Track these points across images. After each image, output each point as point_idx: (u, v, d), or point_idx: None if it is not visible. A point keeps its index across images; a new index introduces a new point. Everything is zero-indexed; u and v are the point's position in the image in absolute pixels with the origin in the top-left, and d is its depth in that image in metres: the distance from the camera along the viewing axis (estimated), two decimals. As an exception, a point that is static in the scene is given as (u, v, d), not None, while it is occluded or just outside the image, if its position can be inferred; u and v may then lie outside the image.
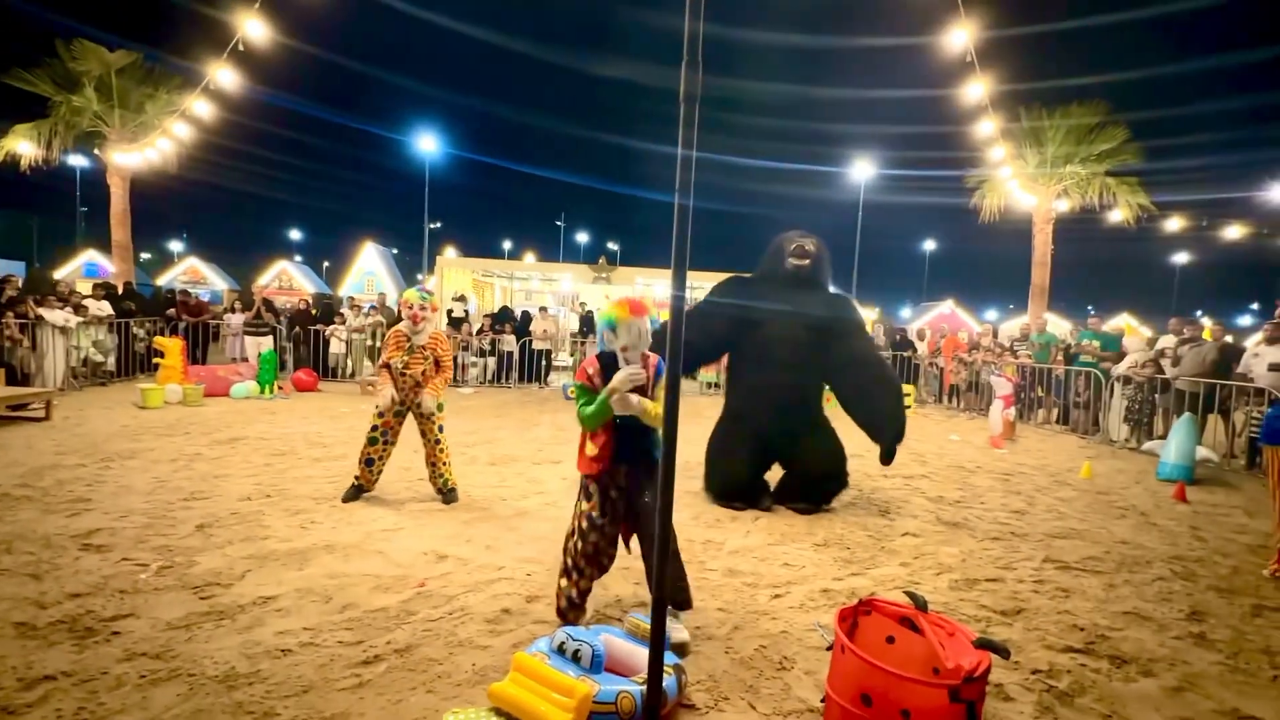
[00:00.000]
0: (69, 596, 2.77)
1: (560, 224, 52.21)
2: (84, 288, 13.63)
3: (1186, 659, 2.70)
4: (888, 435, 4.47)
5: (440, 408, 4.35)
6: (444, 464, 4.36)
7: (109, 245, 13.84)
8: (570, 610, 2.68)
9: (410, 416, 4.36)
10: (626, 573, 3.23)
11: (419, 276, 32.64)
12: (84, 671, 2.23)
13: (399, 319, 4.41)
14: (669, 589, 2.74)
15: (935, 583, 3.39)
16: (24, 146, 12.22)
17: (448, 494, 4.37)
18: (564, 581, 2.69)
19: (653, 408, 2.57)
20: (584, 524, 2.69)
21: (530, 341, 11.67)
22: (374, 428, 4.25)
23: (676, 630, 2.70)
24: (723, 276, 5.15)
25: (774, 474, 4.81)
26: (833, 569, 3.53)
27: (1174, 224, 16.27)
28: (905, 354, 12.06)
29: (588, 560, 2.70)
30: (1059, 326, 16.41)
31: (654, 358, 2.71)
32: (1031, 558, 3.84)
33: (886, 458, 4.50)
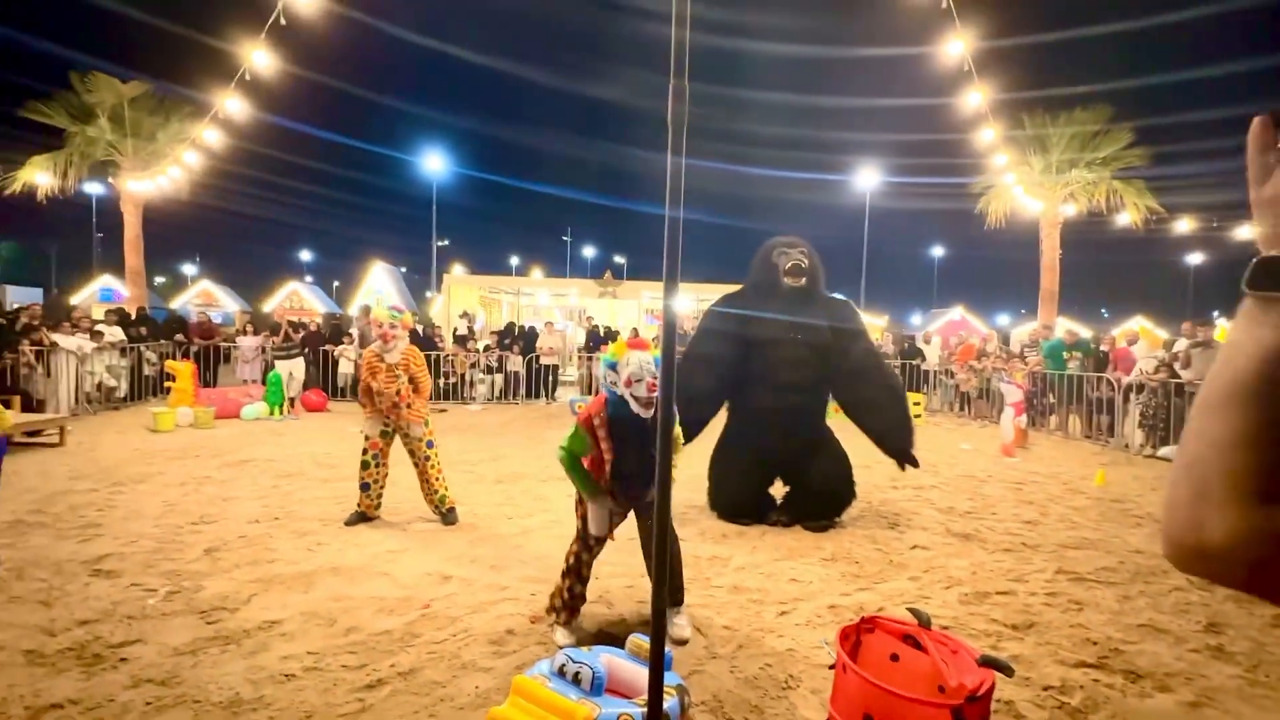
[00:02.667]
0: (78, 623, 2.79)
1: (566, 239, 52.60)
2: (99, 312, 13.85)
3: (1204, 673, 2.64)
4: (898, 445, 4.42)
5: (426, 423, 4.35)
6: (436, 479, 4.32)
7: (124, 270, 14.08)
8: (563, 610, 2.77)
9: (397, 437, 4.36)
10: (630, 591, 3.21)
11: (427, 295, 32.91)
12: (90, 699, 2.24)
13: (414, 335, 4.45)
14: (676, 585, 2.76)
15: (945, 597, 3.35)
16: (41, 177, 12.52)
17: (446, 514, 4.34)
18: (567, 581, 2.79)
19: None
20: (590, 538, 2.77)
21: (537, 357, 11.72)
22: (364, 451, 4.27)
23: (679, 625, 2.71)
24: (731, 288, 5.07)
25: (778, 487, 4.76)
26: (840, 584, 3.50)
27: (1184, 225, 16.14)
28: (914, 362, 11.96)
29: (590, 570, 2.81)
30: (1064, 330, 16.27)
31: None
32: (1044, 569, 3.78)
33: (904, 463, 4.47)
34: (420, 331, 11.34)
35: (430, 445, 4.32)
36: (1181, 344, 8.67)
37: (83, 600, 3.02)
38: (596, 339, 12.63)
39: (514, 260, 52.53)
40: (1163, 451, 7.48)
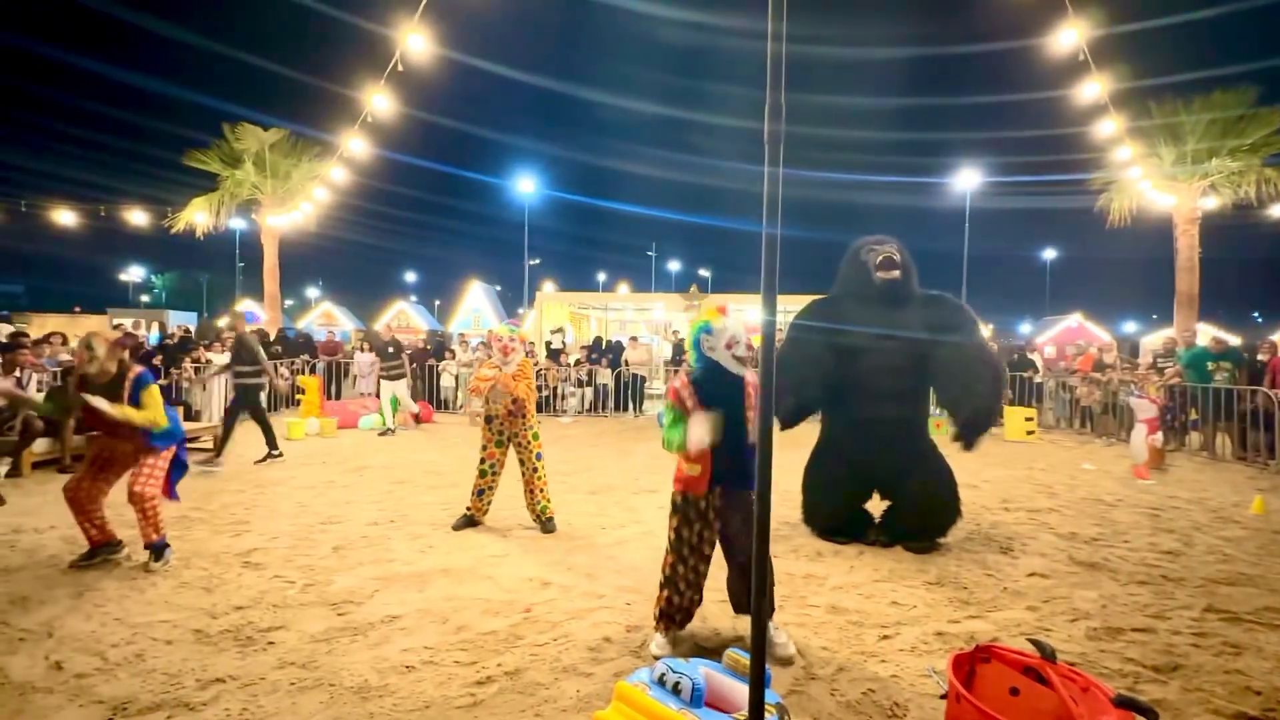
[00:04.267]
0: (234, 608, 3.16)
1: (651, 254, 53.21)
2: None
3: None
4: (965, 413, 3.98)
5: (536, 436, 4.57)
6: (540, 490, 4.54)
7: (262, 295, 15.78)
8: (663, 619, 2.79)
9: (511, 447, 4.61)
10: (725, 605, 3.21)
11: (519, 311, 34.36)
12: (246, 676, 2.54)
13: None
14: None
15: (1070, 630, 3.08)
16: (199, 216, 14.35)
17: (546, 523, 4.54)
18: (665, 592, 2.81)
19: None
20: (683, 548, 2.78)
21: (625, 370, 11.94)
22: (482, 460, 4.54)
23: (781, 644, 2.67)
24: (813, 298, 4.79)
25: (875, 504, 4.53)
26: (947, 610, 3.30)
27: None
28: (1024, 374, 11.06)
29: (688, 584, 2.79)
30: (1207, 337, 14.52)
31: (751, 373, 2.72)
32: (1190, 606, 3.37)
33: (962, 439, 4.03)
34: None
35: (539, 457, 4.56)
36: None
37: (237, 588, 3.41)
38: (683, 353, 12.68)
39: (601, 277, 53.84)
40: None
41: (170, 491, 3.85)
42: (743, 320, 2.69)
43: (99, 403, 3.51)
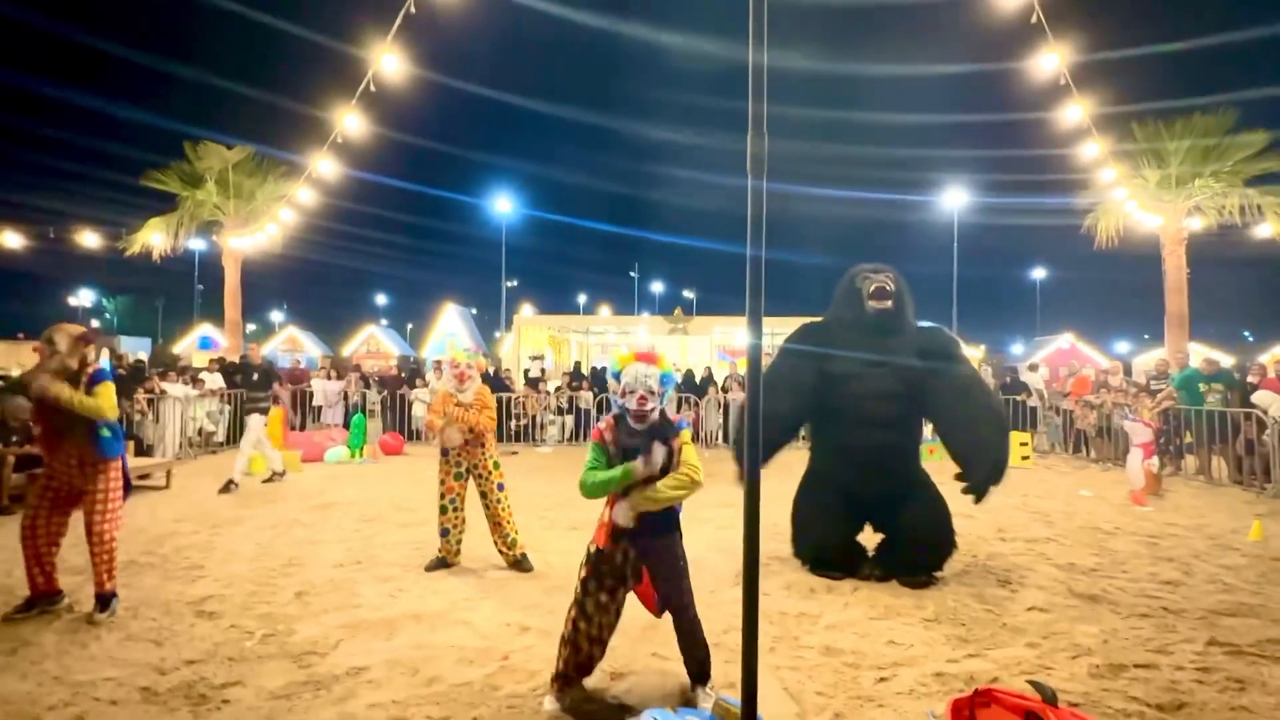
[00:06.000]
0: (185, 663, 2.94)
1: (633, 274, 53.31)
2: (200, 360, 14.98)
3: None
4: (982, 469, 4.01)
5: (497, 465, 4.44)
6: (508, 522, 4.37)
7: (221, 320, 15.30)
8: (559, 680, 2.60)
9: (470, 478, 4.44)
10: (715, 649, 3.10)
11: (496, 335, 34.03)
12: (198, 743, 2.34)
13: (484, 378, 4.59)
14: (701, 657, 2.58)
15: (1071, 668, 3.00)
16: (156, 238, 13.91)
17: (520, 561, 4.36)
18: (564, 651, 2.62)
19: (666, 492, 2.46)
20: (588, 603, 2.60)
21: (608, 396, 11.84)
22: (442, 495, 4.36)
23: (707, 699, 2.55)
24: (802, 321, 4.82)
25: (867, 536, 4.47)
26: (946, 649, 3.21)
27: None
28: (1018, 397, 10.96)
29: (590, 640, 2.62)
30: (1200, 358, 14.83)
31: (675, 416, 2.65)
32: (1192, 639, 3.31)
33: (975, 493, 4.06)
34: (492, 373, 11.67)
35: (501, 488, 4.40)
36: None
37: (189, 640, 3.18)
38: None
39: (582, 299, 53.64)
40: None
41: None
42: (647, 372, 2.54)
43: (47, 381, 3.31)
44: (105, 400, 3.47)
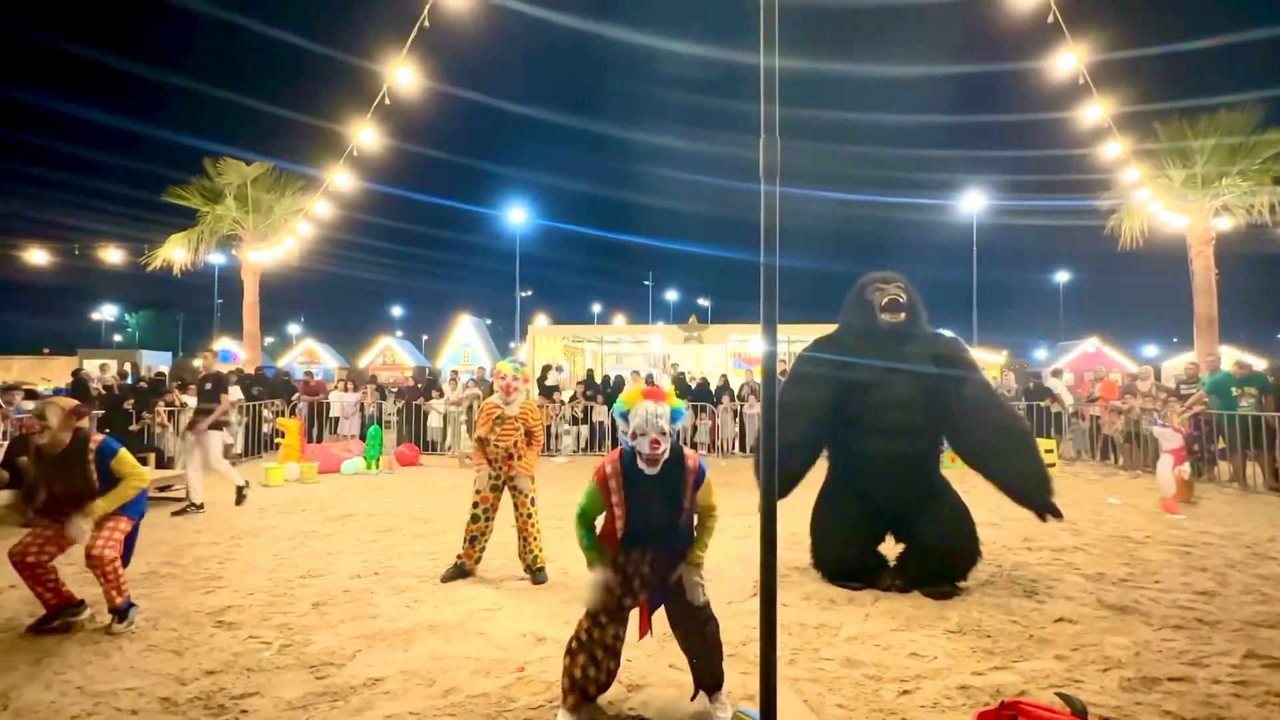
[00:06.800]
0: (205, 673, 2.95)
1: (648, 283, 53.25)
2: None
3: None
4: (1036, 495, 3.96)
5: (531, 480, 4.43)
6: (534, 539, 4.39)
7: (240, 333, 15.52)
8: (575, 691, 2.52)
9: (505, 490, 4.46)
10: (732, 660, 3.07)
11: (511, 345, 34.18)
12: (216, 754, 2.34)
13: (493, 391, 4.59)
14: (716, 670, 2.54)
15: (1102, 681, 2.90)
16: (177, 253, 14.18)
17: (536, 573, 4.35)
18: (579, 658, 2.54)
19: (705, 552, 2.51)
20: (600, 612, 2.54)
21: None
22: (475, 504, 4.38)
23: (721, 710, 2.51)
24: (823, 329, 4.78)
25: (889, 546, 4.39)
26: (971, 661, 3.13)
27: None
28: (1042, 403, 10.74)
29: (605, 650, 2.55)
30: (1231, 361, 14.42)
31: (694, 457, 2.52)
32: (1229, 652, 3.20)
33: (1045, 514, 4.00)
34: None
35: (533, 503, 4.41)
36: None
37: (208, 651, 3.20)
38: (683, 387, 12.32)
39: (596, 308, 53.67)
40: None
41: (125, 556, 3.64)
42: (657, 411, 2.41)
43: (84, 524, 3.38)
44: (131, 477, 3.53)
